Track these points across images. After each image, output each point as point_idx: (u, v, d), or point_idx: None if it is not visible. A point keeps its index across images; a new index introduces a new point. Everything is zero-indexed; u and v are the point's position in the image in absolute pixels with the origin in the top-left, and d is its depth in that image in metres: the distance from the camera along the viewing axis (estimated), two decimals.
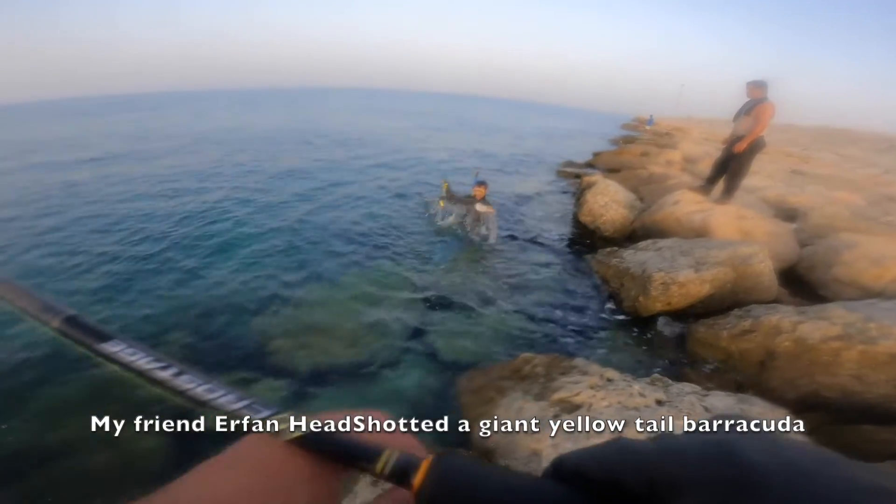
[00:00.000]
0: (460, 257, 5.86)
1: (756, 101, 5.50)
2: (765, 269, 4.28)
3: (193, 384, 0.38)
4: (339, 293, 4.67)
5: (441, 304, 4.58)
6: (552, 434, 2.30)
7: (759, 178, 8.87)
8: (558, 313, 4.50)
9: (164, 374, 0.39)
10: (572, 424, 2.33)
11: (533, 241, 6.63)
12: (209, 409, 0.38)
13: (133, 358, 0.39)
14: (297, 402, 3.15)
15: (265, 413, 0.37)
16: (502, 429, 1.65)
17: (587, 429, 2.28)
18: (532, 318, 4.39)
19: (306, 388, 3.27)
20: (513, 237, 6.72)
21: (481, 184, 6.64)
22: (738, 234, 5.38)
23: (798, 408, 2.76)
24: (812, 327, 3.19)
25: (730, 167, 5.92)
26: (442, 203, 6.90)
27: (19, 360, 3.44)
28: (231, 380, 3.26)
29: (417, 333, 4.05)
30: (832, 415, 2.87)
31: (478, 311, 4.46)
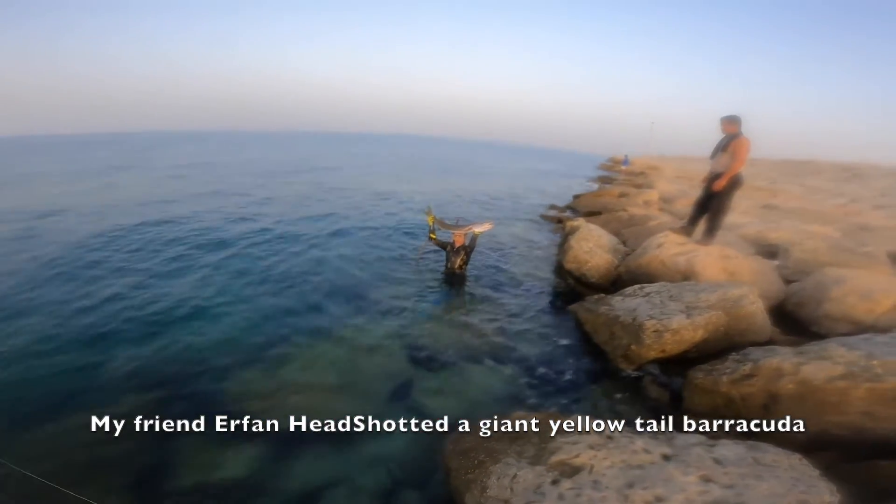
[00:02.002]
0: (445, 309, 5.70)
1: (731, 137, 5.52)
2: (756, 309, 4.21)
3: None
4: (317, 349, 4.45)
5: (425, 359, 4.38)
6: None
7: (736, 214, 9.01)
8: (547, 366, 4.33)
9: None
10: (573, 491, 2.14)
11: (517, 291, 6.51)
12: None
13: None
14: (271, 467, 2.91)
15: None
16: (496, 498, 1.43)
17: (590, 496, 2.09)
18: (520, 372, 4.21)
19: (281, 453, 3.03)
20: (497, 287, 6.59)
21: (462, 228, 6.63)
22: (724, 275, 5.35)
23: (809, 448, 2.62)
24: (815, 368, 3.10)
25: (710, 206, 5.91)
26: (433, 236, 6.74)
27: None
28: (200, 441, 3.01)
29: (400, 391, 3.84)
30: (844, 452, 2.77)
31: (463, 367, 4.27)
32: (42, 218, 9.78)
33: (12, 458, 2.83)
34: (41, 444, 3.06)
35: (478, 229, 6.56)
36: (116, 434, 3.10)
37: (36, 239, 8.06)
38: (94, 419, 3.23)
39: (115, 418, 3.28)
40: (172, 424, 3.24)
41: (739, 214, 9.45)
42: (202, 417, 3.33)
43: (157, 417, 3.32)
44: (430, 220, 6.72)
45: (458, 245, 6.58)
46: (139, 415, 3.35)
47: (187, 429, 3.18)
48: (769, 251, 7.16)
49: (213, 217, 10.24)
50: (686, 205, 9.83)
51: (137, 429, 3.19)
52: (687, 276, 5.43)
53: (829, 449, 2.79)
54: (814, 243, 6.97)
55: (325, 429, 3.28)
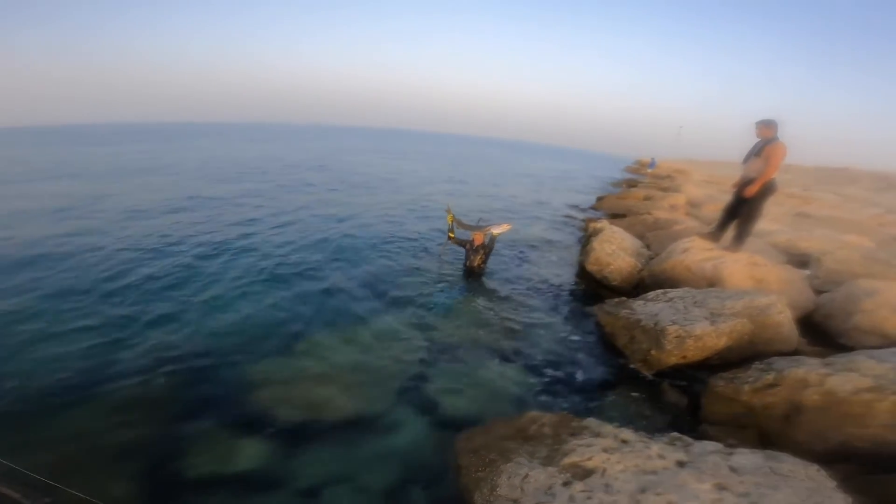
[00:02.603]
0: (462, 305, 5.70)
1: (766, 142, 5.36)
2: (784, 319, 4.09)
3: None
4: (333, 341, 4.50)
5: (441, 355, 4.39)
6: None
7: (766, 221, 8.75)
8: (564, 367, 4.28)
9: None
10: (584, 494, 2.11)
11: (537, 290, 6.47)
12: None
13: None
14: (284, 458, 2.94)
15: None
16: (506, 497, 1.42)
17: (601, 499, 2.06)
18: (536, 372, 4.18)
19: (291, 447, 3.04)
20: (517, 286, 6.56)
21: (482, 229, 6.62)
22: (752, 283, 5.20)
23: (827, 459, 2.55)
24: (841, 380, 3.01)
25: (741, 212, 5.75)
26: (452, 235, 6.77)
27: None
28: (214, 432, 3.04)
29: (414, 386, 3.85)
30: (864, 465, 2.70)
31: (479, 364, 4.25)
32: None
33: (25, 442, 2.92)
34: (56, 427, 3.12)
35: (496, 230, 6.54)
36: (132, 419, 3.19)
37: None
38: (110, 404, 3.32)
39: (131, 403, 3.38)
40: (187, 412, 3.33)
41: (770, 221, 9.18)
42: (217, 406, 3.41)
43: (172, 405, 3.41)
44: (449, 220, 6.72)
45: (476, 244, 6.57)
46: (155, 401, 3.44)
47: (202, 417, 3.25)
48: (800, 260, 6.94)
49: (236, 209, 10.44)
50: (714, 210, 9.61)
51: (152, 415, 3.28)
52: (713, 282, 5.31)
53: (848, 461, 2.73)
54: (846, 253, 6.74)
55: (338, 421, 3.32)
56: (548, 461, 2.40)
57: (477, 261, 6.59)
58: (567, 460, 2.36)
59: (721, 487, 2.07)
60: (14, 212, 9.23)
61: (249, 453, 2.96)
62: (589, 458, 2.35)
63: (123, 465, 2.77)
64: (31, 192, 11.63)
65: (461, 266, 6.89)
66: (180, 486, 2.65)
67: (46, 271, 5.91)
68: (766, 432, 3.12)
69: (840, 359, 3.32)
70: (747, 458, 2.30)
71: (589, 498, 2.08)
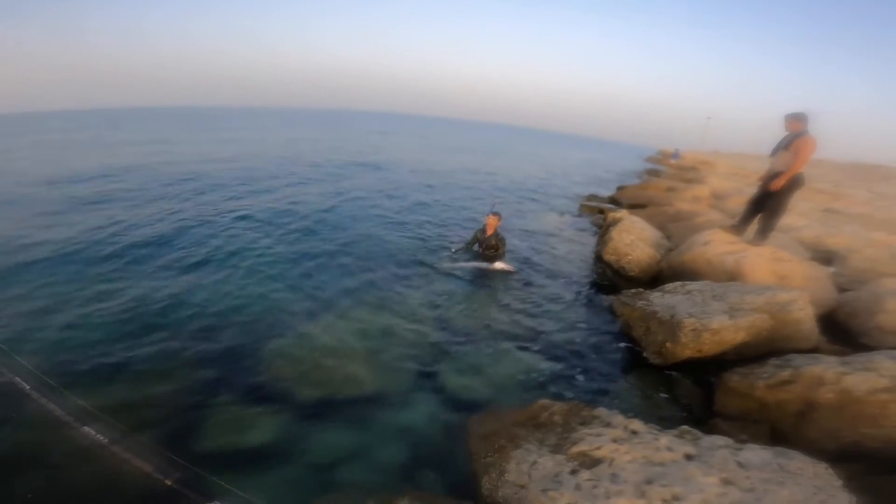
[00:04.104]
0: (476, 292, 5.70)
1: (795, 135, 5.24)
2: (805, 316, 4.01)
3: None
4: (349, 322, 4.56)
5: (455, 339, 4.42)
6: (568, 493, 2.10)
7: (793, 216, 8.55)
8: (577, 356, 4.28)
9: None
10: (591, 482, 2.14)
11: (553, 278, 6.45)
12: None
13: None
14: (298, 434, 3.02)
15: None
16: (513, 483, 1.46)
17: (607, 488, 2.08)
18: (549, 360, 4.19)
19: (306, 422, 3.12)
20: (532, 274, 6.55)
21: (495, 214, 6.60)
22: (774, 278, 5.10)
23: (838, 458, 2.54)
24: (858, 379, 2.97)
25: (766, 206, 5.65)
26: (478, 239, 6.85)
27: None
28: (231, 405, 3.13)
29: (428, 368, 3.89)
30: (874, 465, 2.68)
31: (492, 349, 4.28)
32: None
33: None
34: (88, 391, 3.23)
35: (498, 266, 6.40)
36: (153, 392, 3.28)
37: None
38: (131, 376, 3.42)
39: (151, 376, 3.48)
40: (207, 386, 3.42)
41: (797, 217, 8.96)
42: (235, 380, 3.50)
43: (192, 378, 3.51)
44: (490, 223, 6.66)
45: (489, 234, 6.59)
46: (175, 373, 3.54)
47: (221, 391, 3.35)
48: (826, 257, 6.78)
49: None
50: (739, 203, 9.39)
51: (173, 387, 3.37)
52: (733, 276, 5.23)
53: (859, 461, 2.71)
54: (874, 252, 6.56)
55: (352, 399, 3.39)
56: (556, 449, 2.43)
57: (490, 252, 6.61)
58: (575, 449, 2.38)
59: (727, 482, 2.07)
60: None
61: (266, 427, 3.04)
62: (598, 448, 2.37)
63: (144, 436, 2.85)
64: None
65: (477, 252, 6.88)
66: (199, 458, 2.72)
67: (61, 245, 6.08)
68: (778, 429, 3.09)
69: (859, 358, 3.26)
70: (756, 453, 2.29)
71: (595, 487, 2.10)
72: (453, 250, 7.12)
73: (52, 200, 8.53)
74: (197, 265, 5.72)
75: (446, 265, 6.52)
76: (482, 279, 6.09)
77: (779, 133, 5.51)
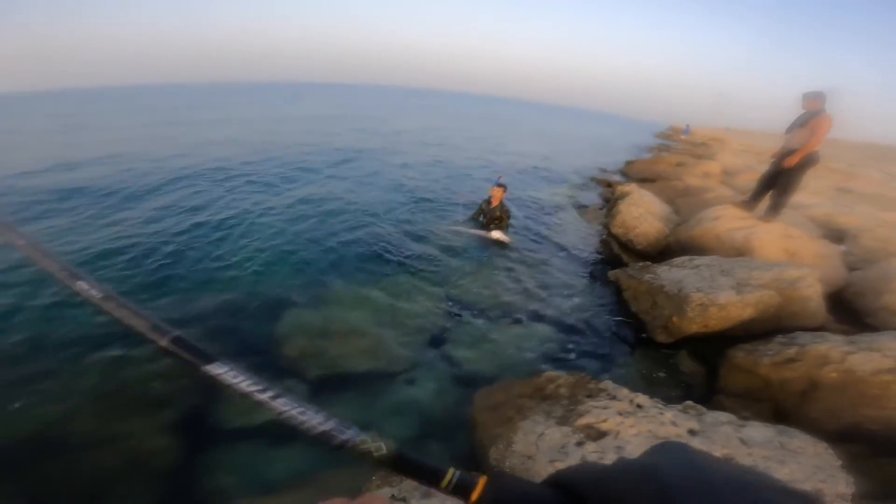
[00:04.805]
0: (482, 267, 5.67)
1: (812, 114, 5.18)
2: (813, 293, 3.99)
3: (289, 407, 0.45)
4: (356, 298, 4.55)
5: (461, 313, 4.44)
6: (574, 463, 2.13)
7: (805, 194, 8.44)
8: (583, 330, 4.30)
9: (263, 397, 0.46)
10: (597, 454, 2.17)
11: (560, 252, 6.44)
12: (302, 429, 0.45)
13: (235, 380, 0.47)
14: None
15: (349, 434, 0.45)
16: (520, 453, 1.46)
17: (611, 460, 2.11)
18: (555, 332, 4.21)
19: (317, 394, 3.16)
20: (538, 247, 6.52)
21: (500, 186, 6.55)
22: (784, 255, 5.07)
23: (838, 439, 2.56)
24: (863, 358, 2.96)
25: (778, 182, 5.60)
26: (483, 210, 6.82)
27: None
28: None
29: (436, 342, 3.92)
30: (874, 447, 2.69)
31: (498, 323, 4.30)
32: None
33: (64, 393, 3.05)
34: (93, 378, 3.21)
35: (495, 235, 6.39)
36: (166, 371, 3.25)
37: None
38: (144, 357, 3.38)
39: (163, 357, 3.49)
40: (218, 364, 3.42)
41: (810, 195, 8.85)
42: (244, 359, 3.51)
43: (202, 357, 3.50)
44: (495, 194, 6.63)
45: (494, 206, 6.55)
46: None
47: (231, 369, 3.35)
48: (837, 235, 6.72)
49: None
50: (750, 179, 9.27)
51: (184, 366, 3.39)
52: (742, 252, 5.19)
53: (859, 441, 2.72)
54: (886, 231, 6.49)
55: (361, 374, 3.42)
56: (563, 421, 2.45)
57: (494, 223, 6.57)
58: (582, 421, 2.41)
59: (729, 458, 2.09)
60: None
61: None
62: (604, 420, 2.39)
63: (158, 416, 2.88)
64: None
65: (479, 225, 6.83)
66: (211, 437, 2.76)
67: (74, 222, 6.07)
68: (782, 407, 3.11)
69: (865, 337, 3.25)
70: (759, 431, 2.31)
71: (600, 459, 2.13)
72: (459, 220, 7.08)
73: None
74: (196, 248, 5.57)
75: (445, 229, 6.59)
76: (488, 253, 6.06)
77: (793, 111, 5.45)
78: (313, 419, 0.45)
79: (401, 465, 0.45)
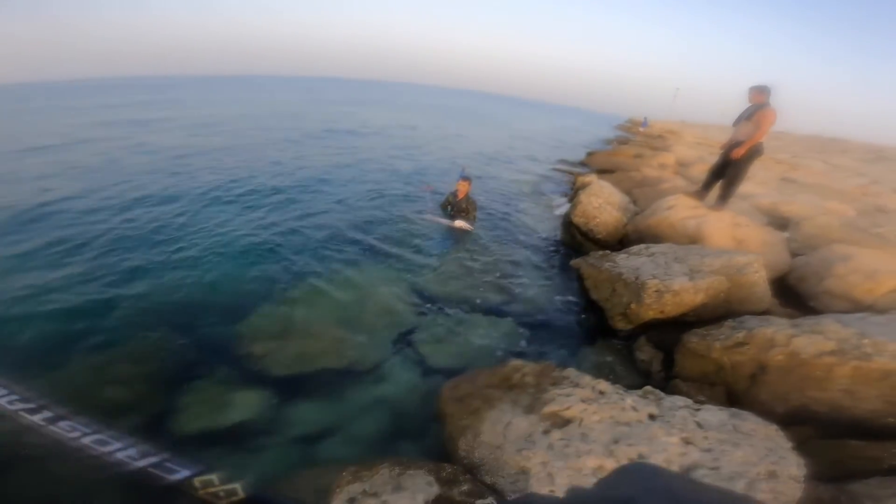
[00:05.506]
0: (447, 259, 5.71)
1: (757, 107, 5.42)
2: (759, 279, 4.20)
3: (76, 433, 0.31)
4: (321, 295, 4.50)
5: (427, 305, 4.46)
6: (541, 452, 2.19)
7: (752, 184, 8.87)
8: (547, 318, 4.41)
9: (34, 419, 0.31)
10: (562, 442, 2.24)
11: (522, 242, 6.54)
12: (102, 464, 0.32)
13: None
14: (276, 410, 3.01)
15: (183, 473, 0.33)
16: (488, 443, 1.49)
17: (577, 447, 2.19)
18: (520, 322, 4.30)
19: (285, 395, 3.12)
20: (502, 237, 6.61)
21: (466, 179, 6.62)
22: (733, 242, 5.32)
23: (787, 421, 2.69)
24: (806, 341, 3.09)
25: (727, 173, 5.86)
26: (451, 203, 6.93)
27: None
28: (206, 385, 3.06)
29: (402, 338, 3.93)
30: (820, 429, 2.82)
31: (463, 315, 4.35)
32: None
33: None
34: (47, 382, 3.07)
35: (458, 224, 6.54)
36: (124, 374, 3.15)
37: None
38: (100, 360, 3.26)
39: (122, 357, 3.34)
40: (179, 367, 3.30)
41: (756, 185, 9.29)
42: (209, 360, 3.39)
43: (163, 359, 3.37)
44: (461, 188, 6.74)
45: (460, 198, 6.62)
46: (145, 355, 3.40)
47: (194, 371, 3.24)
48: (781, 223, 7.08)
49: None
50: (702, 170, 9.65)
51: (144, 369, 3.25)
52: (695, 239, 5.41)
53: (806, 423, 2.84)
54: (826, 219, 6.88)
55: (328, 372, 3.39)
56: (529, 409, 2.51)
57: (461, 215, 6.65)
58: (547, 409, 2.47)
59: (687, 442, 2.20)
60: None
61: (243, 405, 3.00)
62: (567, 408, 2.46)
63: (117, 422, 2.76)
64: None
65: (447, 217, 6.87)
66: (175, 440, 2.68)
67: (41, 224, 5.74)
68: (734, 391, 3.23)
69: (808, 321, 3.41)
70: (713, 414, 2.41)
71: (567, 446, 2.20)
72: (424, 211, 7.08)
73: None
74: (158, 244, 5.40)
75: (410, 218, 6.72)
76: (452, 243, 6.10)
77: (742, 105, 5.69)
78: (119, 452, 0.33)
79: None
